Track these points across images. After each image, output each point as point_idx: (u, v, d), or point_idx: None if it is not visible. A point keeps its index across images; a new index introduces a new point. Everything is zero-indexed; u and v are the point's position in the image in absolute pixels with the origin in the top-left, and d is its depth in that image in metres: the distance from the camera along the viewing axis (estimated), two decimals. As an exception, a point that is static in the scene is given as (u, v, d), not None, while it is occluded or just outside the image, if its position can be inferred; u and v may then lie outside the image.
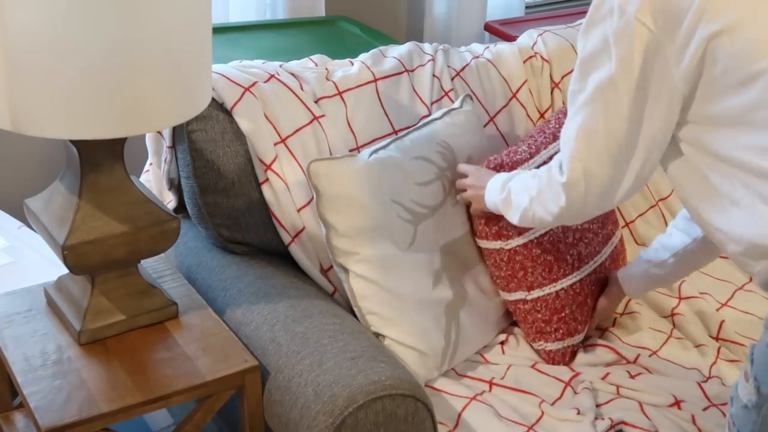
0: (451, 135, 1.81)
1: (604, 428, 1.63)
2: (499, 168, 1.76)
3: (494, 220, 1.75)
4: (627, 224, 2.21)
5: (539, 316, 1.79)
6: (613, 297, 1.87)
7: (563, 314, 1.79)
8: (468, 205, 1.80)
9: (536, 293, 1.79)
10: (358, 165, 1.67)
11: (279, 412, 1.50)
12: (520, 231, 1.76)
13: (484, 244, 1.79)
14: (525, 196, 1.57)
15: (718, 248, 1.52)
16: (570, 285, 1.80)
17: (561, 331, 1.79)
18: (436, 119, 1.84)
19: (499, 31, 2.84)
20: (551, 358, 1.80)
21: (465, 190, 1.77)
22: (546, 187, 1.52)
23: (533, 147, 1.83)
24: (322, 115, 1.83)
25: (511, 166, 1.76)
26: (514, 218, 1.62)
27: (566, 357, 1.81)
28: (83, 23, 1.27)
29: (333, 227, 1.66)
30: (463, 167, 1.78)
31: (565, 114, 1.95)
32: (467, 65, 2.06)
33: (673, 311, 1.98)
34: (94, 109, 1.32)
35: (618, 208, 2.20)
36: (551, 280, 1.79)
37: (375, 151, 1.72)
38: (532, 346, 1.83)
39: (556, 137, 1.87)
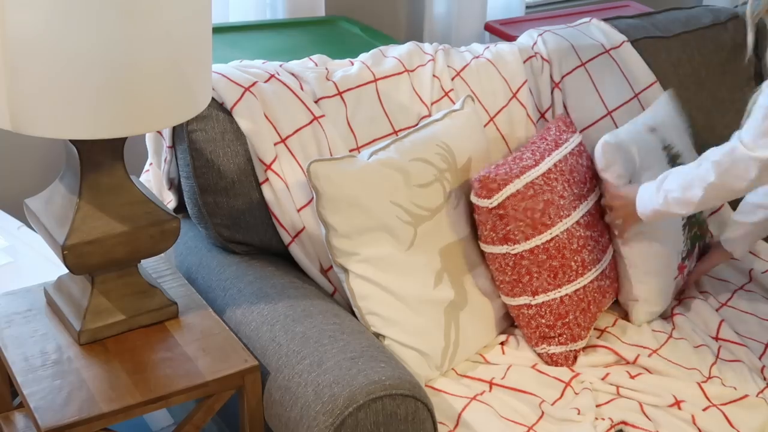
0: (451, 137, 1.81)
1: (604, 428, 1.63)
2: (508, 175, 1.75)
3: (501, 224, 1.75)
4: (627, 224, 2.21)
5: (543, 321, 1.79)
6: (713, 261, 2.07)
7: (567, 320, 1.79)
8: (473, 210, 1.79)
9: (541, 298, 1.78)
10: (357, 166, 1.67)
11: (279, 412, 1.50)
12: (527, 236, 1.75)
13: (489, 248, 1.79)
14: (697, 188, 1.66)
15: None
16: (574, 291, 1.80)
17: (564, 336, 1.79)
18: (436, 120, 1.84)
19: (499, 31, 2.83)
20: (554, 361, 1.80)
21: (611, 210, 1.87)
22: (731, 167, 1.60)
23: (537, 153, 1.83)
24: (322, 115, 1.83)
25: (519, 173, 1.76)
26: (687, 211, 1.73)
27: (569, 360, 1.81)
28: (83, 23, 1.27)
29: (333, 228, 1.65)
30: (610, 192, 1.86)
31: (564, 122, 1.95)
32: (467, 65, 2.06)
33: (673, 311, 1.98)
34: (94, 109, 1.32)
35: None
36: (556, 285, 1.79)
37: (374, 152, 1.72)
38: (534, 350, 1.83)
39: (558, 144, 1.87)
